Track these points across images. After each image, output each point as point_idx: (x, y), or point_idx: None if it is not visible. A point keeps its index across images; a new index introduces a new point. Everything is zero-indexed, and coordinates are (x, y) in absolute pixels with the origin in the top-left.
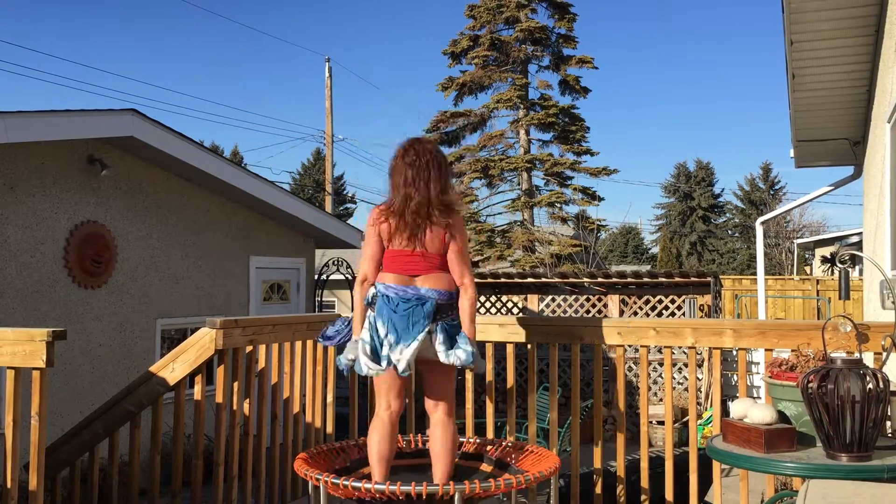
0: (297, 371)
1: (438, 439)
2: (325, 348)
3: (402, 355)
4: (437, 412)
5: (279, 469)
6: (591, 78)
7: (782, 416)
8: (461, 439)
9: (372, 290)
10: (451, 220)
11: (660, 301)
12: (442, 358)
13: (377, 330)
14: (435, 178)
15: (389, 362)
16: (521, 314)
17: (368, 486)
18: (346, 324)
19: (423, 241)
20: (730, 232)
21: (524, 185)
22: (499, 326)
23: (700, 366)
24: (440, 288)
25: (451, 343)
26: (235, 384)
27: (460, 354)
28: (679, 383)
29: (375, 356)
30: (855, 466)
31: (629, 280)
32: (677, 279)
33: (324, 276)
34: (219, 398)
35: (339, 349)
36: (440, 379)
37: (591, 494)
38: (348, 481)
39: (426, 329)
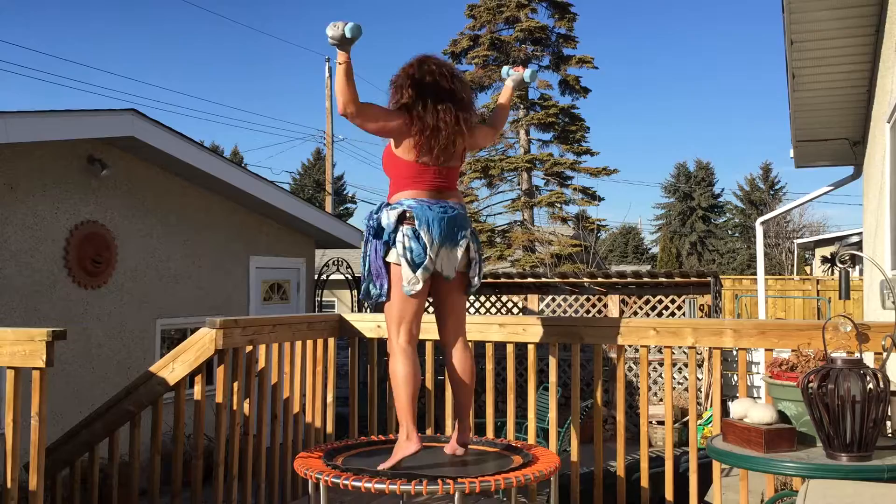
0: (297, 371)
1: (460, 363)
2: (325, 348)
3: (452, 260)
4: (458, 343)
5: (279, 469)
6: (591, 78)
7: (782, 416)
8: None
9: (398, 208)
10: (472, 127)
11: (660, 301)
12: (472, 280)
13: (419, 238)
14: (465, 94)
15: (429, 271)
16: (521, 314)
17: (369, 485)
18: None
19: (448, 157)
20: (730, 232)
21: (524, 185)
22: (499, 326)
23: (700, 366)
24: (461, 202)
25: (480, 259)
26: (235, 384)
27: (480, 274)
28: (679, 383)
29: (415, 267)
30: (855, 466)
31: (629, 280)
32: (677, 279)
33: (324, 276)
34: (219, 398)
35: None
36: (460, 300)
37: (591, 494)
38: (348, 480)
39: (468, 232)
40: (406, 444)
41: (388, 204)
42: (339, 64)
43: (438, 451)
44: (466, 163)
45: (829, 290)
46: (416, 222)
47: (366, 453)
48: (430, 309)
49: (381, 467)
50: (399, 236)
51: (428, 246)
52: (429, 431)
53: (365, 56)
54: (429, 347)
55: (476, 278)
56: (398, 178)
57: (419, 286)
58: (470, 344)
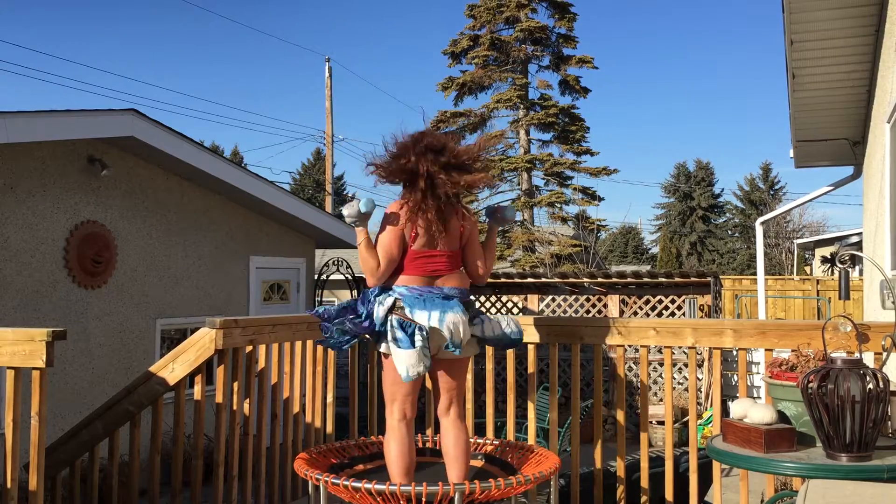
0: (297, 371)
1: (453, 441)
2: (326, 348)
3: (460, 328)
4: (450, 413)
5: (279, 469)
6: (591, 78)
7: (782, 416)
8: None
9: (389, 298)
10: (468, 214)
11: (660, 301)
12: (492, 330)
13: (417, 326)
14: (457, 171)
15: (422, 353)
16: (521, 314)
17: (368, 486)
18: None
19: (448, 239)
20: (730, 232)
21: (524, 185)
22: None
23: (700, 366)
24: (461, 286)
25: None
26: (235, 384)
27: (510, 325)
28: (679, 383)
29: (410, 345)
30: (855, 466)
31: (629, 280)
32: (677, 279)
33: (324, 276)
34: (219, 398)
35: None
36: (454, 377)
37: (591, 494)
38: (348, 482)
39: (464, 323)
40: None
41: (384, 290)
42: (359, 243)
43: (439, 454)
44: None
45: (829, 290)
46: (407, 310)
47: (369, 470)
48: None
49: None
50: (388, 327)
51: (416, 330)
52: (429, 432)
53: (365, 56)
54: None
55: (507, 327)
56: (403, 264)
57: (418, 370)
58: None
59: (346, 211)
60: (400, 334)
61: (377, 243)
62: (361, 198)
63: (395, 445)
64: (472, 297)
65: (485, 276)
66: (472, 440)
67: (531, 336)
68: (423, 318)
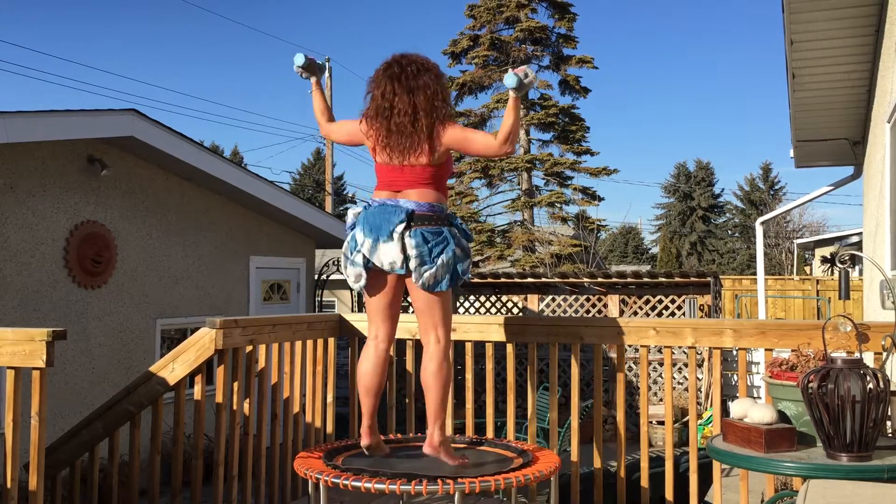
0: (297, 371)
1: (426, 369)
2: (325, 348)
3: (384, 254)
4: (427, 340)
5: (279, 469)
6: (591, 78)
7: (782, 416)
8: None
9: (350, 213)
10: (440, 124)
11: (660, 301)
12: (414, 279)
13: (355, 238)
14: (421, 87)
15: (370, 267)
16: (521, 314)
17: (368, 485)
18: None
19: (408, 154)
20: (730, 232)
21: (524, 185)
22: (498, 326)
23: (700, 366)
24: (423, 200)
25: (428, 257)
26: (235, 384)
27: (431, 273)
28: (679, 383)
29: (354, 265)
30: (855, 466)
31: (629, 280)
32: (677, 279)
33: (324, 276)
34: (219, 398)
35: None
36: (421, 298)
37: (591, 494)
38: (348, 480)
39: (399, 225)
40: (361, 437)
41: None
42: (309, 93)
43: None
44: (466, 163)
45: (829, 290)
46: (357, 223)
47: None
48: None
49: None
50: (348, 239)
51: (360, 244)
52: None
53: (365, 56)
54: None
55: (423, 276)
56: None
57: (358, 283)
58: (468, 343)
59: (294, 68)
60: (350, 244)
61: (341, 122)
62: (295, 57)
63: (361, 363)
64: (442, 212)
65: (503, 146)
66: (471, 439)
67: (532, 336)
68: (360, 237)
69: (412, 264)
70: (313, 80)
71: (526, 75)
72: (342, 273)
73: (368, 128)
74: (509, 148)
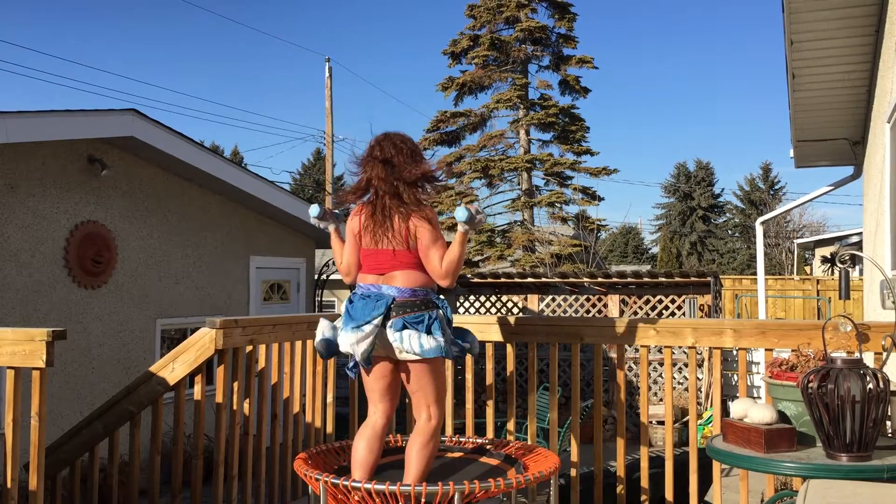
0: (297, 371)
1: (411, 446)
2: None
3: (359, 345)
4: (419, 416)
5: (279, 469)
6: (591, 78)
7: (782, 416)
8: (461, 438)
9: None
10: (418, 212)
11: (660, 301)
12: (396, 352)
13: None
14: (401, 165)
15: (334, 351)
16: (521, 314)
17: (368, 486)
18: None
19: (390, 237)
20: (730, 232)
21: (524, 185)
22: (499, 326)
23: (700, 366)
24: (402, 285)
25: (408, 344)
26: (235, 384)
27: (413, 345)
28: (679, 383)
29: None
30: (855, 466)
31: (629, 280)
32: (677, 279)
33: (324, 276)
34: (219, 398)
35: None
36: (414, 377)
37: (591, 494)
38: (347, 482)
39: (378, 317)
40: None
41: None
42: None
43: (438, 454)
44: (466, 163)
45: (829, 290)
46: (342, 318)
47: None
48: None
49: None
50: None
51: (340, 331)
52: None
53: (365, 56)
54: None
55: (409, 351)
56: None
57: (357, 362)
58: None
59: (312, 221)
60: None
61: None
62: (311, 209)
63: (357, 439)
64: (425, 297)
65: (443, 277)
66: (472, 440)
67: (532, 336)
68: (339, 328)
69: (396, 349)
70: (331, 227)
71: (478, 212)
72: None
73: (356, 212)
74: (448, 281)
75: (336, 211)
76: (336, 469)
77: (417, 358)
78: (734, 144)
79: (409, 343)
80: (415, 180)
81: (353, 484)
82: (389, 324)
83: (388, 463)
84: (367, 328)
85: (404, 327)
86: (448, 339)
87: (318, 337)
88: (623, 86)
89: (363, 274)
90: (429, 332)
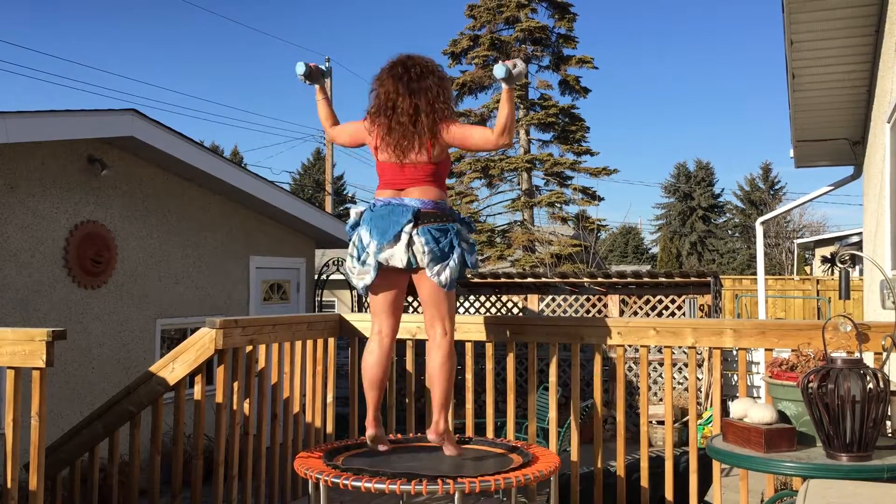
0: (297, 371)
1: (433, 361)
2: (325, 348)
3: (392, 254)
4: (432, 334)
5: (279, 469)
6: (591, 78)
7: (782, 416)
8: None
9: (354, 212)
10: (441, 121)
11: (660, 301)
12: (428, 273)
13: (361, 239)
14: (424, 89)
15: (378, 267)
16: (521, 314)
17: (368, 485)
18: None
19: (410, 153)
20: (730, 232)
21: (524, 185)
22: (499, 326)
23: (700, 366)
24: (426, 198)
25: (440, 254)
26: (235, 384)
27: (447, 271)
28: (679, 383)
29: (363, 265)
30: (855, 466)
31: (629, 280)
32: (677, 279)
33: (324, 276)
34: (219, 398)
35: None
36: (430, 289)
37: (591, 494)
38: (348, 480)
39: (407, 225)
40: (367, 429)
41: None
42: (316, 100)
43: (438, 451)
44: (466, 162)
45: (829, 290)
46: (362, 223)
47: (366, 453)
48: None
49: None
50: (353, 240)
51: (367, 245)
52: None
53: (365, 56)
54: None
55: (441, 274)
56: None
57: (362, 281)
58: (468, 343)
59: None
60: (357, 244)
61: (344, 124)
62: (296, 66)
63: (366, 357)
64: (447, 208)
65: (500, 135)
66: (471, 440)
67: (532, 336)
68: (366, 237)
69: (423, 261)
70: (317, 86)
71: (515, 66)
72: (345, 274)
73: (371, 125)
74: (506, 139)
75: (322, 67)
76: (333, 449)
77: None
78: (734, 144)
79: (436, 251)
80: (434, 97)
81: (353, 483)
82: (416, 231)
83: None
84: (403, 237)
85: (430, 236)
86: (470, 249)
87: (360, 285)
88: (623, 86)
89: (380, 190)
90: (451, 244)
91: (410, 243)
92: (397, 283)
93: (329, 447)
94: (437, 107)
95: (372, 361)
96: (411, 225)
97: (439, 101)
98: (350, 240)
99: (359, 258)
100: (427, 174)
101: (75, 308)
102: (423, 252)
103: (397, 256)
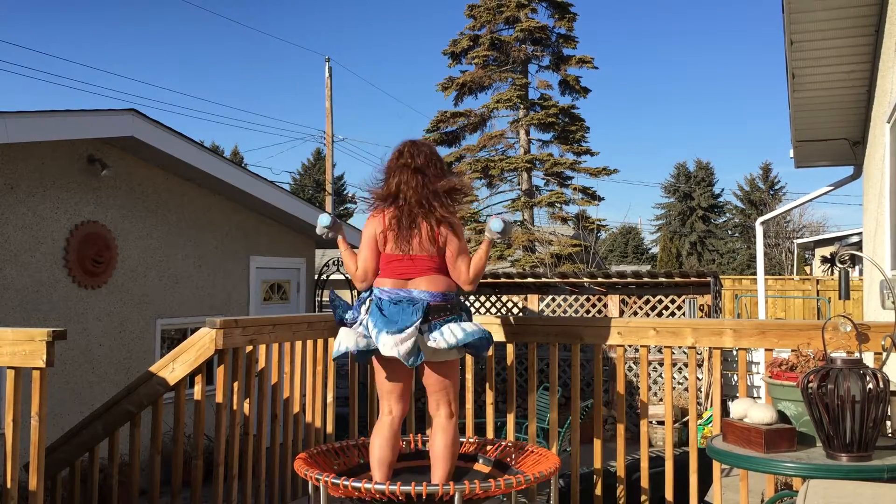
0: (297, 371)
1: (438, 444)
2: (325, 348)
3: (403, 345)
4: (438, 416)
5: (279, 469)
6: (591, 78)
7: (782, 416)
8: (461, 439)
9: (366, 303)
10: (447, 221)
11: (660, 301)
12: (437, 343)
13: (368, 329)
14: (432, 177)
15: (363, 351)
16: (521, 314)
17: (368, 485)
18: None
19: (416, 243)
20: (730, 232)
21: (524, 185)
22: (499, 326)
23: (700, 366)
24: (433, 290)
25: (450, 331)
26: (235, 384)
27: (454, 332)
28: (679, 383)
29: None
30: (855, 466)
31: (629, 280)
32: (677, 279)
33: (324, 276)
34: (219, 398)
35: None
36: (435, 379)
37: (591, 494)
38: (348, 482)
39: (418, 320)
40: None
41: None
42: (341, 252)
43: None
44: (466, 163)
45: (829, 290)
46: (369, 314)
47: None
48: None
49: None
50: (362, 322)
51: (369, 330)
52: (429, 432)
53: (366, 56)
54: None
55: (451, 353)
56: (380, 267)
57: (357, 347)
58: (455, 422)
59: (318, 230)
60: (366, 327)
61: (363, 253)
62: (320, 217)
63: (374, 438)
64: (455, 300)
65: (468, 283)
66: (471, 440)
67: (532, 336)
68: (373, 332)
69: (436, 345)
70: (340, 237)
71: (512, 223)
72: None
73: (380, 214)
74: (472, 287)
75: (338, 221)
76: (337, 470)
77: (445, 357)
78: (734, 144)
79: (451, 334)
80: (443, 192)
81: (354, 484)
82: (426, 328)
83: (408, 467)
84: (410, 330)
85: (439, 332)
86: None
87: (352, 348)
88: (623, 86)
89: (382, 279)
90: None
91: (419, 340)
92: (406, 371)
93: (329, 447)
94: (435, 207)
95: (381, 443)
96: (419, 321)
97: (448, 194)
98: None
99: (357, 332)
100: (435, 264)
101: (75, 308)
102: (438, 341)
103: (403, 348)
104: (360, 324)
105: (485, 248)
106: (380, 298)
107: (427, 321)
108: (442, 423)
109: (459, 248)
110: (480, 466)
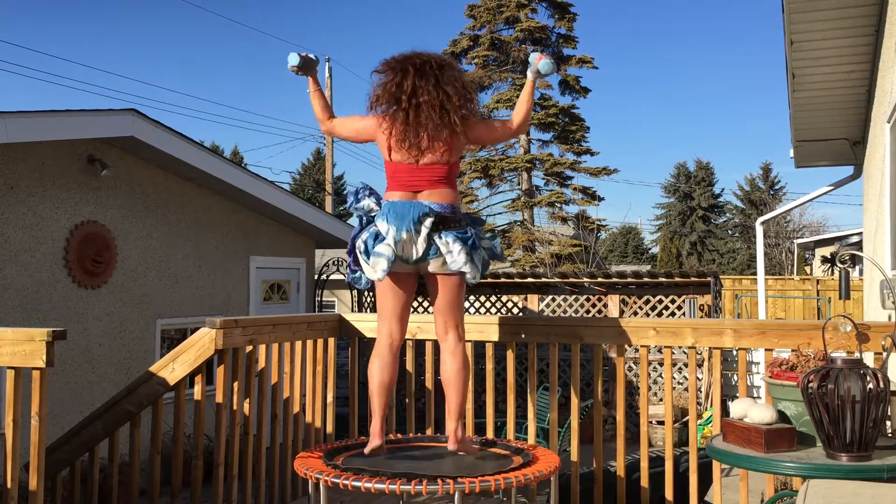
0: (297, 371)
1: (450, 368)
2: (325, 348)
3: (413, 245)
4: (447, 340)
5: (279, 469)
6: (591, 78)
7: (782, 416)
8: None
9: (367, 201)
10: (464, 119)
11: (660, 301)
12: (439, 264)
13: (377, 236)
14: (449, 81)
15: (393, 261)
16: (521, 314)
17: (368, 485)
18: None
19: (430, 151)
20: (730, 232)
21: (524, 185)
22: (498, 326)
23: (700, 366)
24: (443, 202)
25: (470, 251)
26: (235, 384)
27: (463, 238)
28: (679, 383)
29: (378, 256)
30: (855, 466)
31: (629, 280)
32: (677, 279)
33: (324, 276)
34: (219, 398)
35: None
36: (447, 299)
37: (591, 494)
38: (348, 480)
39: (428, 219)
40: (371, 438)
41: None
42: (309, 92)
43: (438, 451)
44: (466, 163)
45: (829, 290)
46: (377, 218)
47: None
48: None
49: (365, 451)
50: (365, 235)
51: (385, 234)
52: (429, 431)
53: (366, 56)
54: (428, 347)
55: (463, 267)
56: (387, 178)
57: (375, 274)
58: (468, 344)
59: (288, 67)
60: (370, 241)
61: (346, 118)
62: (290, 57)
63: (374, 360)
64: (461, 213)
65: (518, 128)
66: (471, 439)
67: (532, 336)
68: (382, 227)
69: (449, 259)
70: (310, 78)
71: (555, 65)
72: (346, 274)
73: (385, 121)
74: (525, 129)
75: (311, 57)
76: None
77: (456, 271)
78: (734, 144)
79: (461, 254)
80: (459, 89)
81: (353, 483)
82: (437, 234)
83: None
84: (423, 230)
85: (455, 236)
86: (488, 252)
87: (384, 269)
88: (623, 86)
89: (391, 191)
90: (473, 247)
91: (431, 241)
92: (408, 288)
93: (329, 447)
94: (467, 98)
95: (381, 365)
96: (432, 221)
97: (466, 94)
98: (359, 220)
99: (368, 253)
100: (442, 176)
101: (75, 308)
102: (452, 251)
103: (417, 247)
104: (364, 240)
105: (529, 89)
106: (390, 201)
107: (437, 230)
108: (450, 347)
109: (486, 122)
110: (498, 450)
